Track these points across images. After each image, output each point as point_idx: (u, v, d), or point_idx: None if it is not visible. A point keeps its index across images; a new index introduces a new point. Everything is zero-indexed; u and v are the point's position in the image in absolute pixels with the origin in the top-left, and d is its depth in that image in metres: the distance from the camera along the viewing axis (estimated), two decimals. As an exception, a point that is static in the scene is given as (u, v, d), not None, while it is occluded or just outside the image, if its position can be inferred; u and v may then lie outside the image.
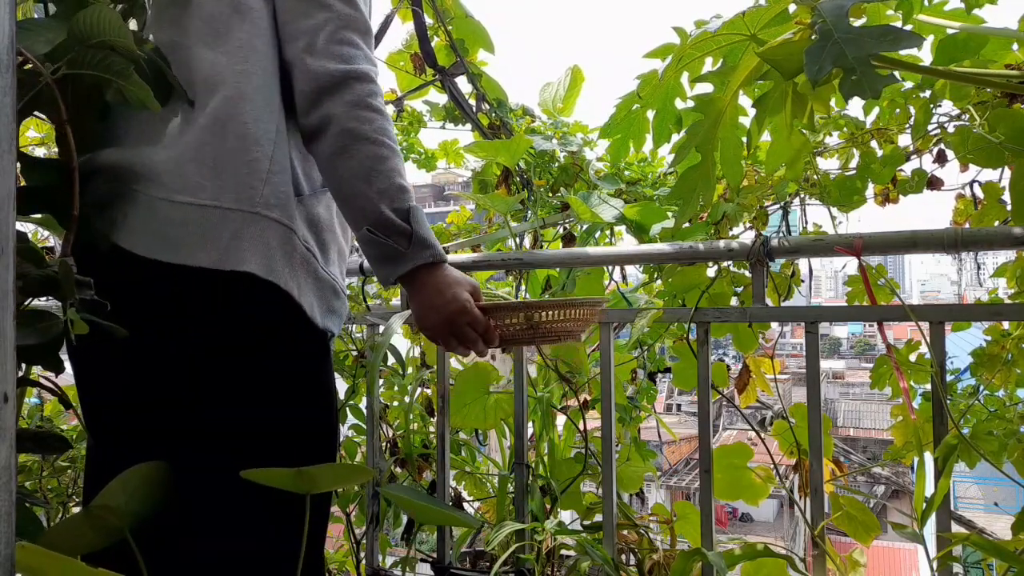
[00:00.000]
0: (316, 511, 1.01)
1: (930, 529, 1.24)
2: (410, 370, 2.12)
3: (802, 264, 1.87)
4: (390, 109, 2.26)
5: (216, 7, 1.00)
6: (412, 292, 1.04)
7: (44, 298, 0.78)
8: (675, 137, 1.33)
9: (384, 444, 2.02)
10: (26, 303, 0.75)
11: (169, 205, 0.93)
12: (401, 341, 2.17)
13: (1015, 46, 1.29)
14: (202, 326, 0.96)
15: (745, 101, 1.17)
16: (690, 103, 1.23)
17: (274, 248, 0.96)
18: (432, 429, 2.05)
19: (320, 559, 1.09)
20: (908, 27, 1.18)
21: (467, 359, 1.39)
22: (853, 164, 1.75)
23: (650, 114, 1.31)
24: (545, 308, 1.10)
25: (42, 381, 0.91)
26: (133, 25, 1.05)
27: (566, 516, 1.89)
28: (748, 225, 1.79)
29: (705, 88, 1.15)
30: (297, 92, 1.00)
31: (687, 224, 1.76)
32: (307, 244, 1.01)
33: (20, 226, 0.65)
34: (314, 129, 1.00)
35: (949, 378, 1.42)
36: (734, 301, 1.71)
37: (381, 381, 2.01)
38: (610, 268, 1.95)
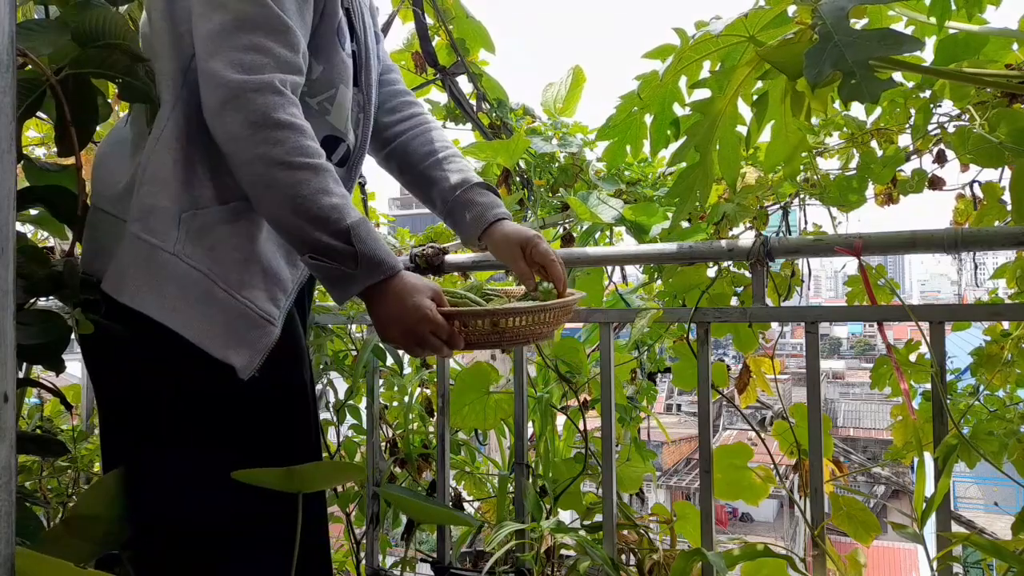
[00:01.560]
0: (309, 513, 1.01)
1: (930, 529, 1.24)
2: (410, 370, 2.12)
3: (801, 264, 1.87)
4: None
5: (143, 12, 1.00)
6: (370, 306, 0.98)
7: (43, 299, 0.79)
8: (673, 145, 1.33)
9: (384, 444, 2.02)
10: (30, 303, 0.75)
11: (93, 211, 0.97)
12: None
13: (1015, 46, 1.29)
14: (122, 342, 0.94)
15: (743, 102, 1.16)
16: (688, 110, 1.22)
17: (126, 265, 0.91)
18: (432, 429, 2.05)
19: (324, 560, 1.09)
20: (909, 29, 1.18)
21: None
22: (853, 164, 1.75)
23: (647, 118, 1.31)
24: (511, 315, 1.05)
25: (42, 381, 0.91)
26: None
27: (566, 516, 1.89)
28: (748, 225, 1.79)
29: (703, 94, 1.15)
30: (203, 102, 0.92)
31: (687, 224, 1.76)
32: (193, 263, 0.93)
33: (18, 226, 0.66)
34: (224, 149, 0.92)
35: (949, 378, 1.42)
36: (734, 301, 1.71)
37: (381, 382, 2.01)
38: (609, 268, 1.95)
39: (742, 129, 1.17)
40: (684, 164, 1.23)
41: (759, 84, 1.11)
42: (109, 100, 0.91)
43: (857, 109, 1.69)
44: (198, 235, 0.93)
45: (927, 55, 1.29)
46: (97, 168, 1.01)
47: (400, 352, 2.06)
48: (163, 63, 0.94)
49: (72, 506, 0.81)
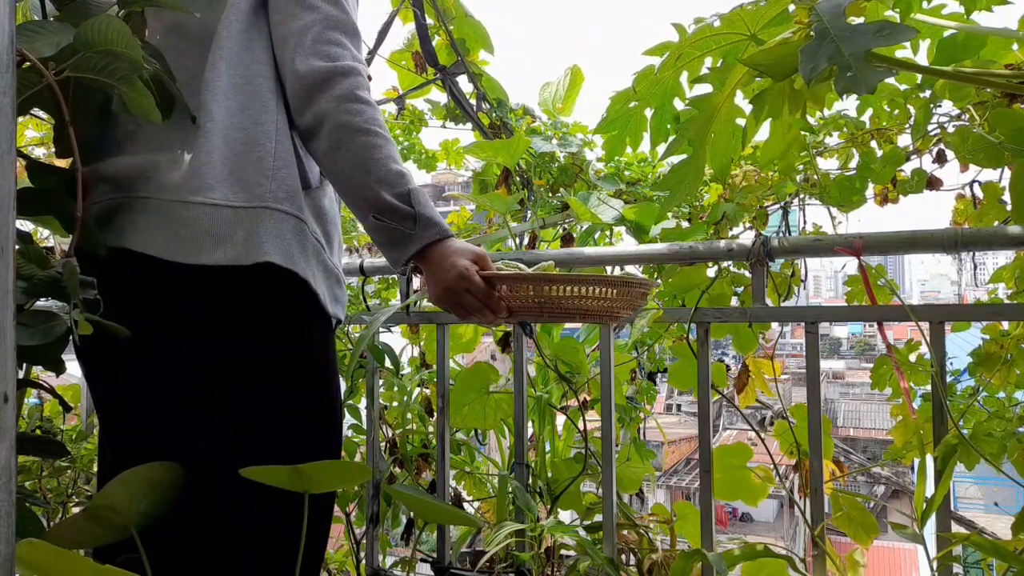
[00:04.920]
0: (319, 508, 1.02)
1: (930, 529, 1.24)
2: (409, 370, 2.12)
3: (801, 264, 1.87)
4: (391, 107, 2.26)
5: (213, 16, 1.02)
6: (424, 268, 1.08)
7: (44, 299, 0.79)
8: (672, 138, 1.33)
9: (384, 444, 2.02)
10: (29, 303, 0.75)
11: (182, 206, 0.95)
12: (399, 341, 2.18)
13: (1015, 46, 1.29)
14: (222, 320, 0.99)
15: (740, 99, 1.17)
16: (688, 104, 1.22)
17: (289, 238, 1.00)
18: (431, 429, 2.05)
19: (319, 559, 1.09)
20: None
21: (487, 324, 1.32)
22: (853, 164, 1.74)
23: (648, 113, 1.31)
24: (555, 283, 1.04)
25: (41, 383, 0.91)
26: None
27: (566, 516, 1.89)
28: (748, 225, 1.79)
29: (704, 89, 1.15)
30: (289, 93, 1.03)
31: (686, 224, 1.76)
32: (315, 235, 1.05)
33: (20, 225, 0.66)
34: (309, 128, 1.03)
35: (949, 379, 1.42)
36: (734, 301, 1.71)
37: (380, 382, 2.01)
38: (609, 269, 1.95)
39: (740, 122, 1.17)
40: (679, 158, 1.23)
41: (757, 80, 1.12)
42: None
43: (854, 110, 1.68)
44: (311, 211, 1.06)
45: (927, 56, 1.29)
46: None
47: (402, 353, 2.06)
48: (262, 66, 1.04)
49: (96, 496, 0.82)
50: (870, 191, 1.67)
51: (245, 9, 1.04)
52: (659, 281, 1.87)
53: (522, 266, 1.18)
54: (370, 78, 2.19)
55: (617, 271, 1.95)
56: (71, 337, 0.75)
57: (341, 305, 1.12)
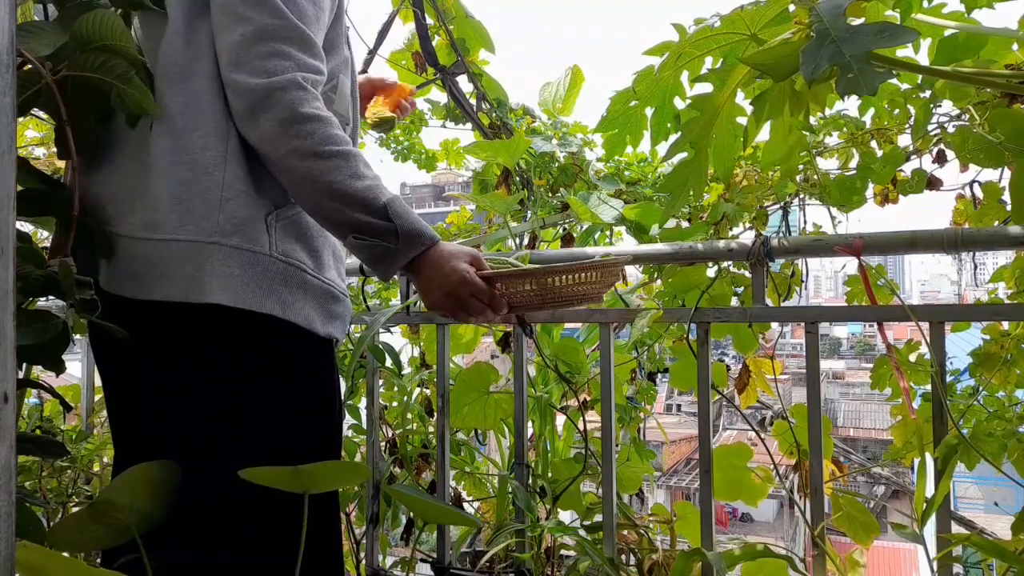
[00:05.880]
0: (325, 509, 1.02)
1: (930, 529, 1.24)
2: (409, 370, 2.12)
3: (801, 264, 1.87)
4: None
5: (159, 32, 0.99)
6: (414, 277, 1.05)
7: (45, 298, 0.79)
8: (673, 136, 1.33)
9: (384, 444, 2.02)
10: (26, 303, 0.75)
11: (130, 241, 0.94)
12: (399, 341, 2.18)
13: (1015, 46, 1.29)
14: (203, 336, 0.97)
15: (741, 99, 1.17)
16: (689, 103, 1.22)
17: (237, 276, 0.95)
18: (431, 429, 2.05)
19: (336, 559, 1.09)
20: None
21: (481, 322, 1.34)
22: (853, 164, 1.75)
23: (649, 111, 1.31)
24: (552, 275, 1.07)
25: (41, 383, 0.91)
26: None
27: (566, 516, 1.89)
28: (748, 225, 1.79)
29: (704, 88, 1.15)
30: (232, 112, 0.97)
31: (686, 224, 1.76)
32: (286, 259, 1.00)
33: (20, 225, 0.66)
34: (258, 149, 0.97)
35: (949, 379, 1.42)
36: (734, 301, 1.71)
37: (381, 382, 2.01)
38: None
39: (742, 121, 1.17)
40: (679, 158, 1.23)
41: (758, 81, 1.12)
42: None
43: (854, 110, 1.68)
44: (284, 232, 1.00)
45: (927, 55, 1.29)
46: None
47: (403, 353, 2.06)
48: (209, 82, 0.98)
49: (101, 492, 0.82)
50: (870, 191, 1.68)
51: (181, 23, 0.98)
52: (658, 281, 1.87)
53: (512, 260, 1.19)
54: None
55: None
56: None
57: (340, 320, 1.08)
